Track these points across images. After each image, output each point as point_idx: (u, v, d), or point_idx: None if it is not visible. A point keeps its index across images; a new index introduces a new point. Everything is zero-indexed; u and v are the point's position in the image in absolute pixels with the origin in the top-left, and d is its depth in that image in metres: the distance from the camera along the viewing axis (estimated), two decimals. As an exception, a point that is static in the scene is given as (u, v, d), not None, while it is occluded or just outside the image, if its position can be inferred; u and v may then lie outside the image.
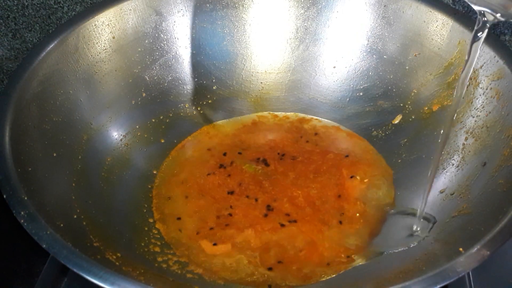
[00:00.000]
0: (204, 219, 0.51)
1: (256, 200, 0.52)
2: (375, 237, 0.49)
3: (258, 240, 0.49)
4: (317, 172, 0.54)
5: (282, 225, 0.50)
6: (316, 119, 0.60)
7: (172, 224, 0.51)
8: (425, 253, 0.43)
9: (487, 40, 0.49)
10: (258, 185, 0.53)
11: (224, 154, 0.57)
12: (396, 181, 0.54)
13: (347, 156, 0.56)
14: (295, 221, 0.50)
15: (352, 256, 0.47)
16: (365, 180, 0.53)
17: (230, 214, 0.51)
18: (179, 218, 0.51)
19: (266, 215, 0.50)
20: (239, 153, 0.57)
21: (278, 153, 0.57)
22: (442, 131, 0.45)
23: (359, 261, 0.47)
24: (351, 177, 0.53)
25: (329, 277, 0.46)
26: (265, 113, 0.61)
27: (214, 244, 0.48)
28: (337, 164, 0.55)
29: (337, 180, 0.53)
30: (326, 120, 0.60)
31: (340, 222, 0.50)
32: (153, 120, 0.58)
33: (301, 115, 0.61)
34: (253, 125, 0.60)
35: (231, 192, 0.53)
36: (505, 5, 0.36)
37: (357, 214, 0.50)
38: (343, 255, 0.47)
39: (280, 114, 0.61)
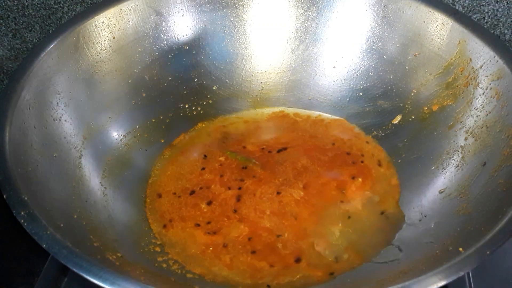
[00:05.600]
0: (198, 217, 0.51)
1: (254, 194, 0.52)
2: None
3: (255, 238, 0.49)
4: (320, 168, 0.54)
5: (279, 223, 0.50)
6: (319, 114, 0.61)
7: (167, 224, 0.51)
8: (425, 253, 0.43)
9: (487, 40, 0.49)
10: (256, 182, 0.53)
11: (219, 151, 0.57)
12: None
13: (348, 153, 0.56)
14: (295, 218, 0.50)
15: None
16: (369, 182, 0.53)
17: (208, 204, 0.51)
18: (171, 219, 0.51)
19: (263, 211, 0.51)
20: (235, 150, 0.57)
21: (278, 150, 0.57)
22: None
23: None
24: (352, 178, 0.53)
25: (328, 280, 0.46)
26: (264, 110, 0.61)
27: (209, 243, 0.49)
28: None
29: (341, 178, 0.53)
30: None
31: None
32: (153, 120, 0.58)
33: (299, 110, 0.61)
34: (253, 122, 0.60)
35: (227, 190, 0.53)
36: None
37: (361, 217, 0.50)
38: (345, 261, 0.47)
39: (279, 109, 0.62)
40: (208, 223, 0.50)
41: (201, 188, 0.53)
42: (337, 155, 0.56)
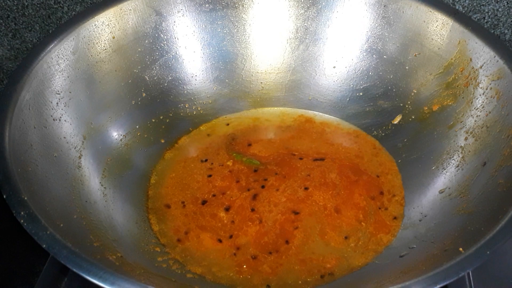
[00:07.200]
0: (198, 218, 0.51)
1: (255, 196, 0.52)
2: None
3: (256, 239, 0.49)
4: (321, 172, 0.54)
5: (284, 225, 0.50)
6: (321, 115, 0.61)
7: (168, 226, 0.51)
8: (425, 253, 0.43)
9: (487, 40, 0.49)
10: (258, 183, 0.53)
11: (218, 153, 0.57)
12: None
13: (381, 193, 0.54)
14: (299, 223, 0.50)
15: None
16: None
17: (226, 210, 0.51)
18: (172, 219, 0.51)
19: (266, 215, 0.50)
20: (237, 151, 0.57)
21: (281, 152, 0.57)
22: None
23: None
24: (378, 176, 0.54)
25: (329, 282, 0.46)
26: (265, 109, 0.62)
27: (210, 243, 0.49)
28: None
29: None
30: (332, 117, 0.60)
31: (346, 237, 0.50)
32: (153, 120, 0.58)
33: (301, 111, 0.61)
34: (253, 123, 0.60)
35: (226, 191, 0.53)
36: None
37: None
38: (345, 264, 0.47)
39: (280, 109, 0.62)
40: (231, 237, 0.49)
41: (214, 195, 0.53)
42: (373, 187, 0.54)
